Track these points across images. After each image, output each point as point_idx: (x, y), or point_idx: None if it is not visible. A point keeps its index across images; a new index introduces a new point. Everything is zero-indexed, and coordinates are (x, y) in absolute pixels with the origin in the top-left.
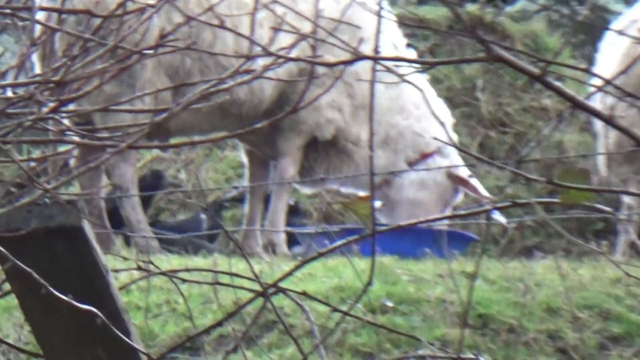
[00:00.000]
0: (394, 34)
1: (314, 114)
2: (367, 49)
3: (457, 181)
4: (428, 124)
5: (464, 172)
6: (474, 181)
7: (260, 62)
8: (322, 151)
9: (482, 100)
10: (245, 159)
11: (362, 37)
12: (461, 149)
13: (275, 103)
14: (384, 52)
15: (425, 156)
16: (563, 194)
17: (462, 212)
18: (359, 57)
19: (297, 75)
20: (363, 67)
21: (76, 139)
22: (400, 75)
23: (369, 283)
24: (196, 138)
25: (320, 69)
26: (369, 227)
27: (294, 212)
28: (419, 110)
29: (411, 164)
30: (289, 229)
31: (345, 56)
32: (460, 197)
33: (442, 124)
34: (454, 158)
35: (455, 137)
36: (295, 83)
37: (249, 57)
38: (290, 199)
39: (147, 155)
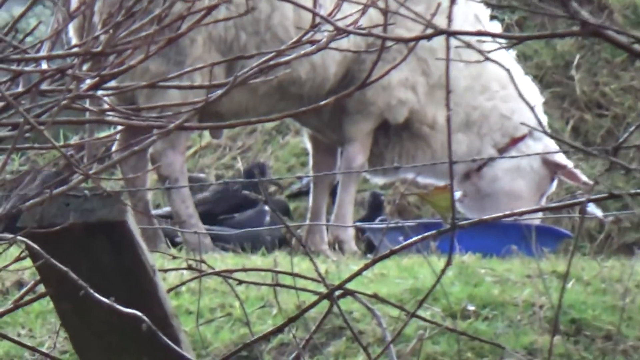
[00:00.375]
0: (476, 5)
1: (384, 94)
2: (444, 22)
3: (554, 168)
4: (516, 105)
5: (560, 157)
6: (571, 166)
7: (325, 34)
8: (394, 136)
9: (576, 80)
10: (309, 146)
11: (439, 8)
12: (551, 135)
13: (340, 82)
14: (465, 25)
15: (515, 141)
16: None
17: (554, 204)
18: (435, 31)
19: (364, 49)
20: (439, 41)
21: (119, 119)
22: (482, 52)
23: (439, 278)
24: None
25: (390, 43)
26: (449, 221)
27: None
28: (506, 89)
29: (501, 151)
30: (358, 224)
31: (420, 29)
32: (553, 187)
33: (530, 106)
34: (548, 142)
35: (545, 120)
36: (363, 60)
37: (312, 29)
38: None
39: (197, 143)
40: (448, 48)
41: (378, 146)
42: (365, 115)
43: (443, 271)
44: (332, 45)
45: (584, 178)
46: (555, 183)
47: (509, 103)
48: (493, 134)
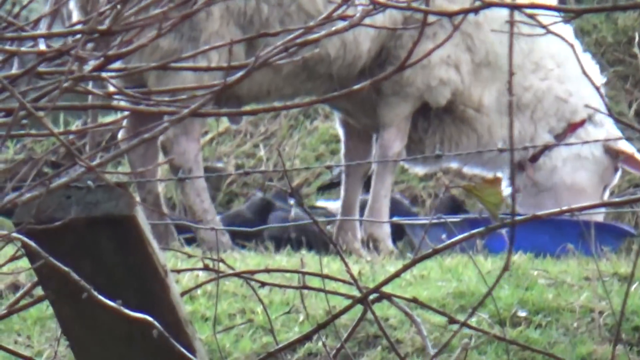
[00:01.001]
0: None
1: (423, 74)
2: None
3: (618, 156)
4: (574, 87)
5: (624, 145)
6: (638, 155)
7: (359, 8)
8: (435, 119)
9: None
10: (341, 131)
11: None
12: (616, 118)
13: (374, 61)
14: None
15: (574, 126)
16: None
17: (616, 199)
18: (485, 4)
19: (402, 24)
20: (485, 14)
21: (127, 104)
22: (544, 26)
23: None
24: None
25: (432, 16)
26: (499, 217)
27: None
28: (561, 68)
29: (558, 137)
30: (396, 219)
31: (462, 1)
32: (616, 179)
33: (595, 86)
34: (610, 128)
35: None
36: (400, 35)
37: (344, 2)
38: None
39: (214, 129)
40: (512, 23)
41: (417, 131)
42: (403, 97)
43: (499, 278)
44: (366, 21)
45: None
46: (618, 174)
47: (566, 84)
48: (548, 119)
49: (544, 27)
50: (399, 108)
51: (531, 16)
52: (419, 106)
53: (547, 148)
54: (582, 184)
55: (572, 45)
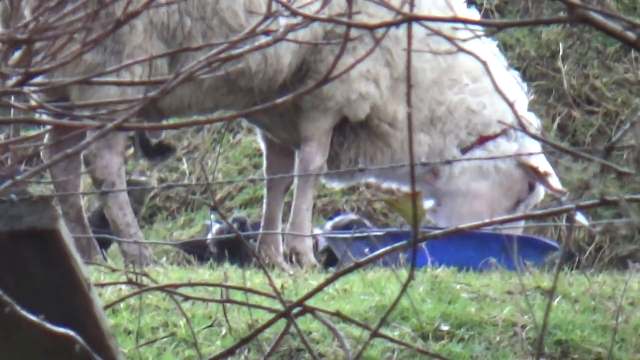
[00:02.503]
0: None
1: (343, 88)
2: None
3: (529, 171)
4: (489, 100)
5: (540, 162)
6: (550, 172)
7: (282, 22)
8: (350, 134)
9: (563, 72)
10: (263, 145)
11: None
12: (531, 134)
13: (295, 75)
14: (433, 10)
15: (484, 139)
16: None
17: (538, 211)
18: (404, 17)
19: (322, 38)
20: (405, 29)
21: (49, 118)
22: (454, 43)
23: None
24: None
25: (353, 31)
26: (420, 230)
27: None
28: (479, 82)
29: (465, 150)
30: (317, 232)
31: (382, 15)
32: (541, 195)
33: (508, 102)
34: (528, 143)
35: (533, 119)
36: (320, 49)
37: (268, 17)
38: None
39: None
40: (410, 36)
41: (333, 146)
42: (323, 111)
43: (405, 286)
44: (289, 35)
45: (558, 187)
46: (540, 191)
47: (480, 97)
48: (458, 131)
49: (454, 43)
50: (319, 122)
51: (439, 33)
52: (339, 121)
53: (449, 163)
54: (479, 192)
55: (484, 62)
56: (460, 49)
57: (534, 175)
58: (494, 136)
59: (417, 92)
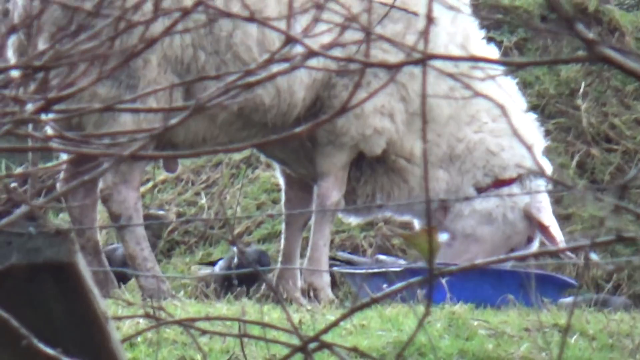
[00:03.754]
0: (466, 25)
1: (358, 123)
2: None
3: (534, 225)
4: (508, 142)
5: (546, 215)
6: (556, 230)
7: (299, 51)
8: (367, 169)
9: (582, 110)
10: (281, 180)
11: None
12: (550, 177)
13: (309, 109)
14: (450, 47)
15: (499, 183)
16: None
17: (554, 248)
18: (422, 57)
19: (335, 73)
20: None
21: (66, 147)
22: (470, 87)
23: (418, 328)
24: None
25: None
26: (434, 266)
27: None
28: (497, 122)
29: (480, 191)
30: (336, 268)
31: (396, 50)
32: (535, 246)
33: (526, 146)
34: (541, 196)
35: (547, 165)
36: (333, 84)
37: (284, 47)
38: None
39: (155, 177)
40: (425, 75)
41: (349, 181)
42: (338, 146)
43: (422, 320)
44: (306, 64)
45: (561, 243)
46: (536, 245)
47: (499, 138)
48: (475, 171)
49: (470, 87)
50: (335, 157)
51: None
52: (355, 156)
53: (467, 200)
54: (480, 237)
55: (502, 107)
56: (477, 94)
57: (539, 230)
58: (510, 181)
59: (434, 128)
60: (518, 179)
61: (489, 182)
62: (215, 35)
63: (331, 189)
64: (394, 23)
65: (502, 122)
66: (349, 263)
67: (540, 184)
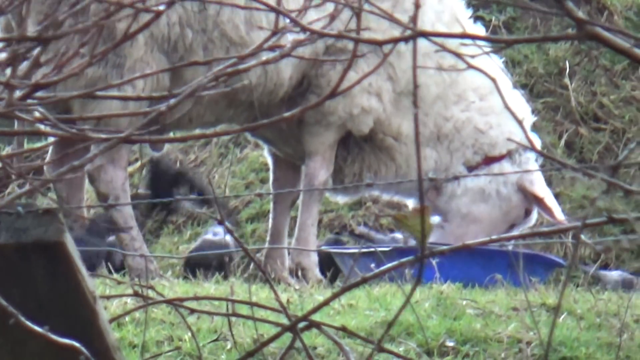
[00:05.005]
0: (453, 3)
1: (345, 102)
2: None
3: (529, 197)
4: (496, 120)
5: (540, 186)
6: (551, 200)
7: (289, 37)
8: (354, 148)
9: (570, 89)
10: (269, 160)
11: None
12: (539, 151)
13: (296, 89)
14: (437, 25)
15: (489, 160)
16: None
17: (544, 229)
18: (413, 34)
19: (323, 52)
20: (407, 44)
21: (56, 131)
22: (463, 59)
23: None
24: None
25: (351, 45)
26: (427, 246)
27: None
28: (485, 101)
29: (471, 169)
30: (324, 248)
31: (385, 29)
32: (533, 220)
33: (517, 120)
34: (533, 168)
35: (536, 140)
36: (320, 64)
37: (276, 32)
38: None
39: (143, 156)
40: (415, 52)
41: (337, 160)
42: (325, 126)
43: (409, 296)
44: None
45: (560, 215)
46: (534, 217)
47: (487, 116)
48: (465, 150)
49: (464, 60)
50: (323, 136)
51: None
52: (343, 135)
53: (456, 178)
54: (478, 216)
55: (494, 80)
56: (470, 66)
57: (534, 202)
58: (500, 157)
59: (422, 107)
60: (508, 155)
61: (479, 159)
62: (203, 13)
63: (319, 169)
64: (380, 2)
65: (489, 100)
66: (368, 239)
67: (530, 157)
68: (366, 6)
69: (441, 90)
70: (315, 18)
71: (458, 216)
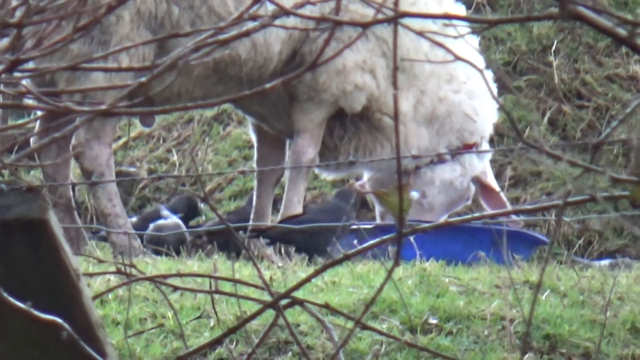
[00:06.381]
0: None
1: (339, 79)
2: (406, 1)
3: (484, 191)
4: (479, 105)
5: (492, 178)
6: (502, 196)
7: (269, 9)
8: (351, 127)
9: (554, 67)
10: (253, 137)
11: None
12: (524, 140)
13: (288, 64)
14: (429, 5)
15: (465, 148)
16: (635, 186)
17: (527, 206)
18: (395, 15)
19: (314, 26)
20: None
21: (38, 104)
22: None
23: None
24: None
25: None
26: (407, 223)
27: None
28: (471, 81)
29: (452, 155)
30: (308, 225)
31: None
32: (466, 203)
33: (500, 105)
34: (486, 162)
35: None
36: (314, 40)
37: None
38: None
39: (127, 134)
40: (396, 34)
41: (332, 138)
42: (318, 103)
43: (390, 273)
44: (278, 22)
45: (509, 207)
46: (467, 201)
47: (473, 100)
48: (450, 135)
49: (453, 53)
50: (313, 114)
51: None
52: (333, 112)
53: (439, 156)
54: (434, 205)
55: (481, 71)
56: (458, 58)
57: (488, 195)
58: (471, 146)
59: (417, 84)
60: (475, 145)
61: (459, 145)
62: None
63: (307, 146)
64: None
65: (474, 80)
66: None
67: (485, 146)
68: None
69: (435, 66)
70: None
71: (418, 202)
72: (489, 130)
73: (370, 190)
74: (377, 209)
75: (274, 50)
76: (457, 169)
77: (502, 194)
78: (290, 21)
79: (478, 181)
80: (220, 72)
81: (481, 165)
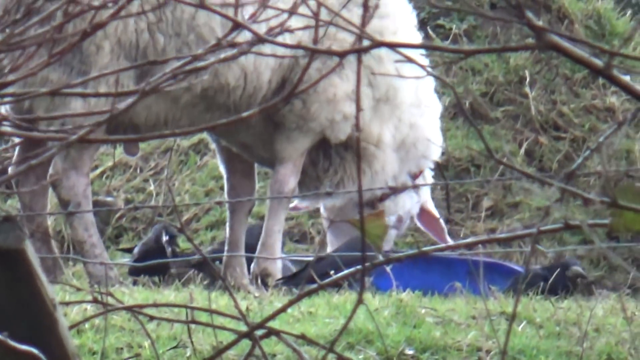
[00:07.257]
0: (407, 13)
1: (329, 109)
2: (388, 30)
3: (426, 218)
4: (435, 131)
5: (432, 206)
6: (442, 222)
7: (249, 35)
8: (336, 157)
9: (530, 98)
10: (223, 169)
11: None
12: (499, 160)
13: (276, 93)
14: (401, 36)
15: (418, 175)
16: (615, 216)
17: (502, 235)
18: (375, 43)
19: (302, 56)
20: (386, 50)
21: (15, 131)
22: (435, 75)
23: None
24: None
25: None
26: (383, 251)
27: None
28: (427, 104)
29: (405, 183)
30: (284, 256)
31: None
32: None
33: (476, 129)
34: (425, 194)
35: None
36: (302, 68)
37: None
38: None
39: (105, 163)
40: (360, 63)
41: (316, 169)
42: (305, 132)
43: (355, 308)
44: (267, 50)
45: (448, 239)
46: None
47: (432, 125)
48: (412, 162)
49: (431, 73)
50: (298, 143)
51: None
52: (316, 142)
53: (415, 187)
54: (399, 233)
55: (455, 93)
56: (437, 78)
57: (432, 226)
58: (420, 173)
59: (396, 113)
60: (421, 173)
61: (417, 172)
62: (177, 17)
63: (289, 175)
64: (358, 7)
65: (428, 102)
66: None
67: (427, 174)
68: (344, 12)
69: (411, 96)
70: (278, 13)
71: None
72: (438, 155)
73: (349, 219)
74: (329, 239)
75: (263, 79)
76: (414, 196)
77: (441, 220)
78: (279, 50)
79: (421, 207)
80: (209, 100)
81: (428, 192)
